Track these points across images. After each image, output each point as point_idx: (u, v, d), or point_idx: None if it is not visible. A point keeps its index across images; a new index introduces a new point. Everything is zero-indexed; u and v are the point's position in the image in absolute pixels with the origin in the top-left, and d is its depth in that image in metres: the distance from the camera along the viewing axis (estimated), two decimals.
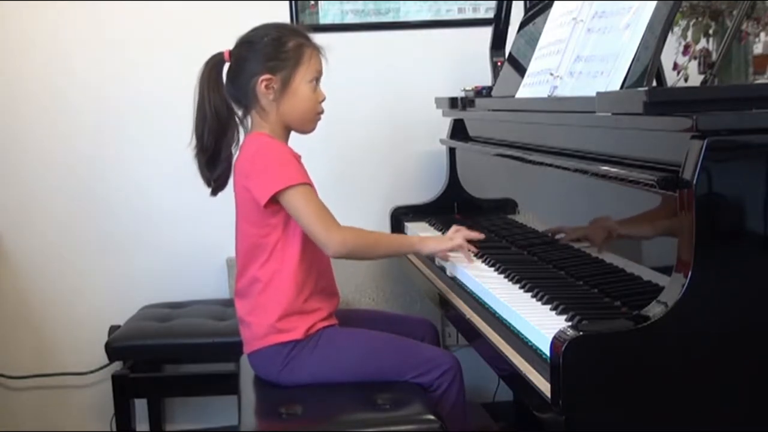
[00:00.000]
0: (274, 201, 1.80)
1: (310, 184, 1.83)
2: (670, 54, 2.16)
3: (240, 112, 1.92)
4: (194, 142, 1.90)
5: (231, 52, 1.90)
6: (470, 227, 2.04)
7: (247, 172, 1.84)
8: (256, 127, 1.91)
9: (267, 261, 1.84)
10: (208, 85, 1.88)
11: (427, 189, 2.83)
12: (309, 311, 1.85)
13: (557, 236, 1.88)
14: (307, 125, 1.94)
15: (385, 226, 2.70)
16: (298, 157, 1.88)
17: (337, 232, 1.82)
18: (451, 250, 1.97)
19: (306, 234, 1.84)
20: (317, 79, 1.91)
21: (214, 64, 1.90)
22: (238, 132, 1.91)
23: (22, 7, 2.69)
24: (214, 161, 1.90)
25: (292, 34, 1.90)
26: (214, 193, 1.95)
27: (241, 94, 1.89)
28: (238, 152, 1.90)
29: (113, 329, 2.59)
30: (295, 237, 1.84)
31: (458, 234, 1.98)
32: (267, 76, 1.85)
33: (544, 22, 2.13)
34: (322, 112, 1.93)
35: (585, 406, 1.26)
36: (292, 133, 1.95)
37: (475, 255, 2.00)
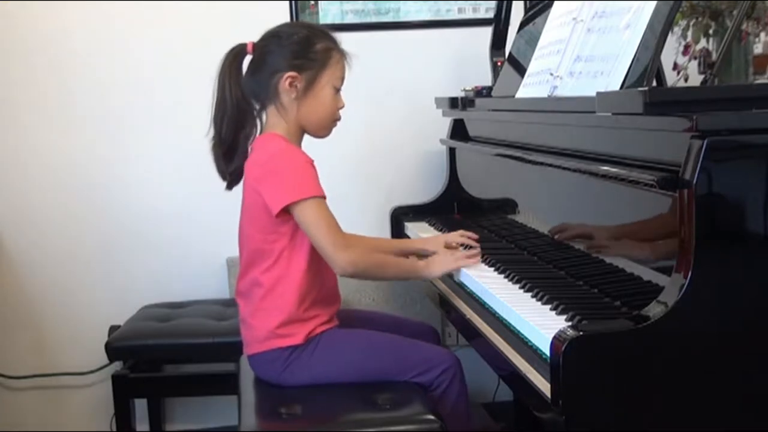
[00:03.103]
0: (286, 210, 1.78)
1: (323, 197, 1.80)
2: (670, 54, 2.16)
3: (257, 107, 1.89)
4: (212, 133, 1.86)
5: (255, 45, 1.87)
6: (469, 228, 2.03)
7: (260, 177, 1.81)
8: (271, 127, 1.88)
9: (271, 267, 1.82)
10: (229, 74, 1.85)
11: (427, 189, 2.83)
12: (309, 318, 1.84)
13: (557, 236, 1.88)
14: (323, 130, 1.92)
15: (385, 226, 2.70)
16: (311, 163, 1.84)
17: (346, 251, 1.80)
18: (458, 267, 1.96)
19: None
20: (340, 86, 1.90)
21: (235, 54, 1.87)
22: (255, 126, 1.89)
23: (24, 6, 2.69)
24: (231, 154, 1.87)
25: (321, 36, 1.88)
26: (230, 186, 1.91)
27: (261, 88, 1.86)
28: (250, 150, 1.88)
29: (113, 329, 2.59)
30: (303, 246, 1.82)
31: (459, 254, 1.98)
32: (293, 73, 1.83)
33: (544, 22, 2.13)
34: (339, 119, 1.92)
35: (585, 406, 1.26)
36: None
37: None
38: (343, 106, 1.91)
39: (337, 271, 1.83)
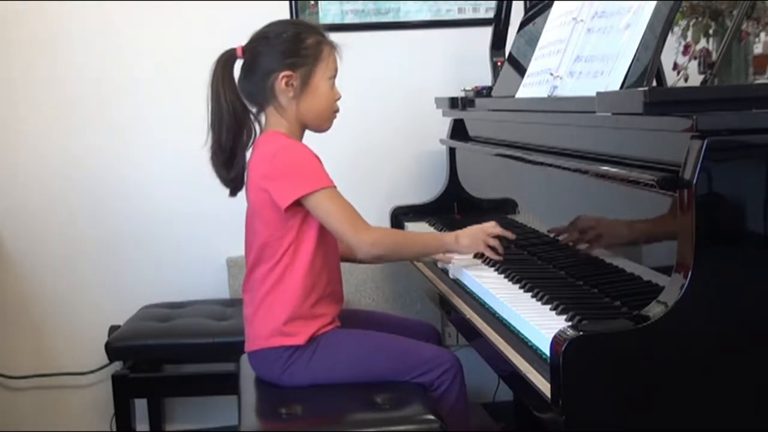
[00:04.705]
0: (295, 203, 1.77)
1: (334, 186, 1.80)
2: (670, 54, 2.16)
3: (254, 110, 1.89)
4: (210, 142, 1.86)
5: (245, 48, 1.86)
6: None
7: (266, 174, 1.80)
8: (271, 126, 1.88)
9: (278, 262, 1.82)
10: (222, 81, 1.84)
11: (427, 189, 2.83)
12: (315, 316, 1.84)
13: (557, 236, 1.88)
14: (324, 124, 1.92)
15: (385, 226, 2.69)
16: (317, 156, 1.84)
17: (368, 233, 1.81)
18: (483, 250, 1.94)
19: (319, 237, 1.82)
20: (334, 77, 1.89)
21: (226, 60, 1.86)
22: (251, 131, 1.89)
23: (23, 6, 2.68)
24: (231, 161, 1.87)
25: (310, 31, 1.88)
26: (233, 193, 1.92)
27: (257, 91, 1.86)
28: (252, 150, 1.88)
29: (113, 329, 2.59)
30: (308, 240, 1.82)
31: (491, 239, 1.93)
32: (287, 72, 1.83)
33: (544, 22, 2.13)
34: (338, 110, 1.92)
35: (585, 406, 1.26)
36: None
37: (475, 256, 2.00)
38: (339, 98, 1.92)
39: (361, 255, 1.83)
